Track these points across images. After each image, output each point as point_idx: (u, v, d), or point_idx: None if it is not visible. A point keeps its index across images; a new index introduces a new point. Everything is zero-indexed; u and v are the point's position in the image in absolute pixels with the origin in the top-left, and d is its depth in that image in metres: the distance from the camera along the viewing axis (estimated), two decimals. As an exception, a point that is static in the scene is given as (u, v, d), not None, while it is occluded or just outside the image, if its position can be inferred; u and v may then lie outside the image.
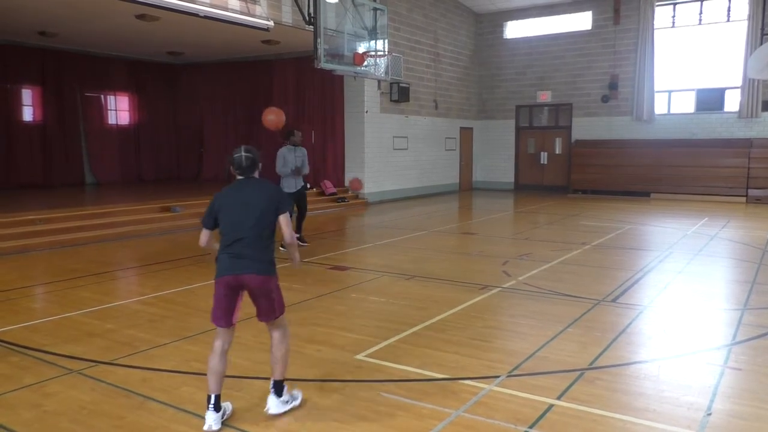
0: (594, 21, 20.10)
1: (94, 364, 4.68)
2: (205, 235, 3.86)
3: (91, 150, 17.88)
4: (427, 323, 5.73)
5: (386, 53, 12.27)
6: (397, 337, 5.32)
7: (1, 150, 15.77)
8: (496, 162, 22.52)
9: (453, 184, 21.40)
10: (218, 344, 3.75)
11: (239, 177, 3.84)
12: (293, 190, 9.73)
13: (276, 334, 3.86)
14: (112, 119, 18.65)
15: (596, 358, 4.81)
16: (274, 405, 3.78)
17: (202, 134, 20.03)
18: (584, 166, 20.18)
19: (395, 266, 8.51)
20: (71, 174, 17.30)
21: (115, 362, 4.73)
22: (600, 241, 10.59)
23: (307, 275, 8.12)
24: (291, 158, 9.66)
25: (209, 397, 3.64)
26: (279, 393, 3.81)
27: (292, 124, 17.95)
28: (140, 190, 15.88)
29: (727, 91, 18.41)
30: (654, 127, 19.30)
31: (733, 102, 18.25)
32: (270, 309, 3.77)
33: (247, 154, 3.78)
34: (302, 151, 9.85)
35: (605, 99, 20.04)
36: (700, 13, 18.59)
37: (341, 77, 16.67)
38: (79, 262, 8.92)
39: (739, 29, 17.87)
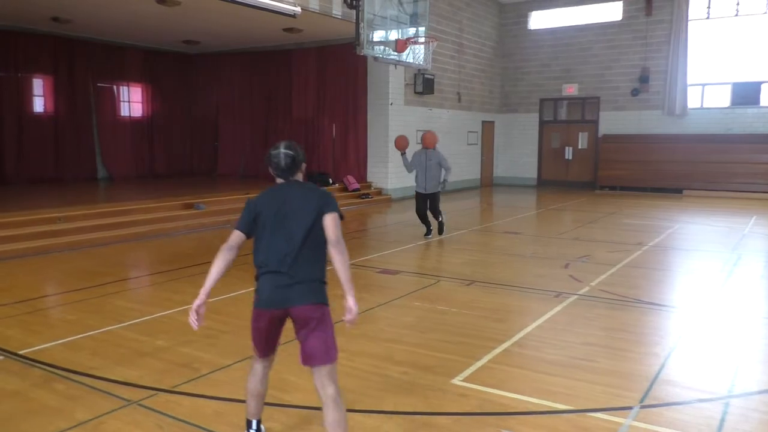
0: (625, 11, 19.36)
1: (154, 392, 4.03)
2: (237, 237, 3.03)
3: (103, 143, 17.16)
4: (514, 339, 5.09)
5: (430, 40, 11.55)
6: (488, 357, 4.68)
7: (11, 143, 15.04)
8: (519, 157, 21.83)
9: (474, 179, 20.72)
10: (259, 367, 3.23)
11: (279, 180, 3.13)
12: None
13: (330, 390, 2.91)
14: (125, 111, 17.91)
15: (733, 384, 4.17)
16: None
17: (217, 127, 19.32)
18: (612, 162, 19.50)
19: (449, 270, 7.86)
20: (83, 168, 16.58)
21: (177, 390, 4.08)
22: (656, 242, 9.94)
23: (358, 280, 7.44)
24: None
25: (249, 423, 3.25)
26: None
27: (313, 116, 17.34)
28: (157, 186, 15.18)
29: (763, 85, 17.72)
30: (686, 121, 18.61)
31: (770, 96, 17.58)
32: (324, 348, 2.93)
33: (287, 152, 3.06)
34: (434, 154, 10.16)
35: (635, 92, 19.34)
36: (737, 4, 17.87)
37: (365, 68, 16.01)
38: (103, 265, 8.27)
39: (778, 20, 17.18)
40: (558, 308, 6.03)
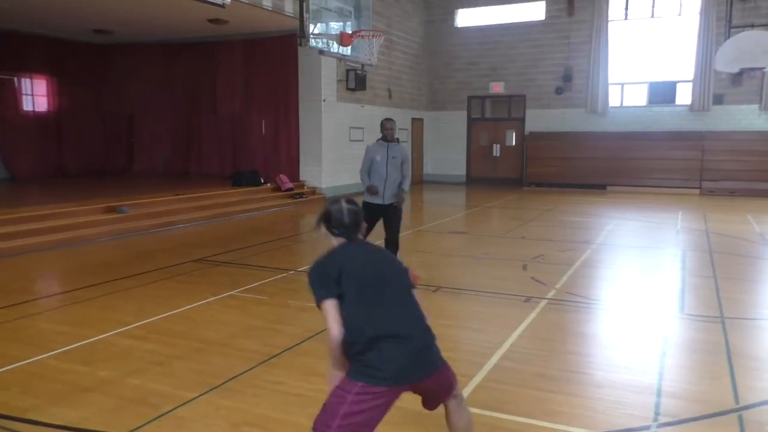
0: (548, 11, 19.75)
1: (110, 440, 3.38)
2: (334, 311, 2.54)
3: (2, 140, 15.50)
4: (500, 352, 4.77)
5: (376, 33, 11.09)
6: (481, 375, 4.32)
7: None
8: (447, 154, 21.82)
9: (405, 177, 20.48)
10: None
11: (337, 239, 2.77)
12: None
13: (453, 401, 2.82)
14: (28, 105, 16.29)
15: (735, 392, 4.03)
16: None
17: (132, 123, 17.99)
18: (539, 159, 19.88)
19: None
20: (-20, 168, 14.92)
21: (139, 436, 3.44)
22: (601, 239, 10.02)
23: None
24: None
25: None
26: None
27: (240, 113, 16.46)
28: (69, 187, 13.84)
29: (678, 85, 18.60)
30: (608, 119, 19.25)
31: (684, 95, 18.46)
32: (448, 389, 2.75)
33: (351, 207, 2.78)
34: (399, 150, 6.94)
35: (559, 91, 19.79)
36: (653, 6, 18.64)
37: (295, 63, 15.38)
38: (17, 280, 7.30)
39: (691, 23, 18.04)
40: (533, 315, 5.78)
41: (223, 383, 4.14)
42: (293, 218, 12.95)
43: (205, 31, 15.38)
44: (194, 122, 17.19)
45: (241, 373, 4.31)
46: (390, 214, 6.91)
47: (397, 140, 7.00)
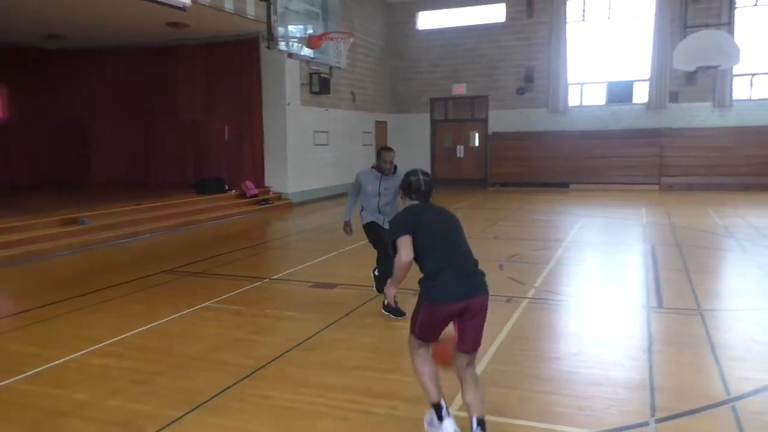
0: (508, 13, 19.96)
1: (96, 468, 3.17)
2: (408, 243, 3.30)
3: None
4: (490, 354, 4.71)
5: (345, 36, 10.93)
6: (473, 377, 4.25)
7: None
8: (412, 156, 21.77)
9: (371, 180, 20.40)
10: (424, 350, 3.37)
11: (412, 201, 3.54)
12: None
13: (471, 369, 3.34)
14: (-27, 115, 15.58)
15: (725, 384, 4.07)
16: None
17: (88, 132, 17.38)
18: (502, 159, 20.07)
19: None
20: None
21: (126, 461, 3.25)
22: (572, 237, 10.13)
23: (292, 298, 6.79)
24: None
25: (439, 406, 3.29)
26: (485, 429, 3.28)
27: (202, 119, 16.09)
28: (23, 200, 13.26)
29: (635, 84, 19.04)
30: (569, 119, 19.56)
31: (641, 94, 18.90)
32: (479, 334, 3.35)
33: (426, 178, 3.57)
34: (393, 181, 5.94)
35: (521, 91, 20.02)
36: (609, 7, 19.04)
37: (258, 67, 15.14)
38: (-24, 298, 6.91)
39: (647, 24, 18.49)
40: (516, 315, 5.76)
41: (209, 399, 3.97)
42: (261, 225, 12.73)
43: (164, 35, 14.96)
44: (153, 129, 16.72)
45: (227, 388, 4.14)
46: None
47: (395, 168, 6.00)
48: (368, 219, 6.12)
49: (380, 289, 6.25)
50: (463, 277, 3.28)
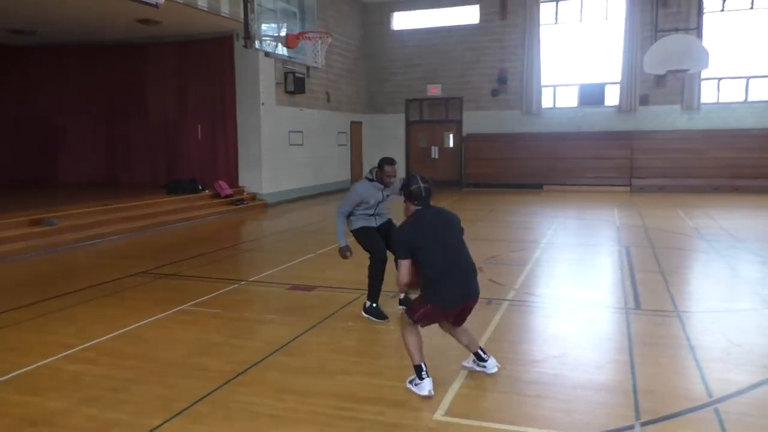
0: (482, 15, 20.08)
1: (73, 482, 3.05)
2: (407, 266, 3.86)
3: None
4: (473, 357, 4.68)
5: (323, 35, 10.81)
6: (458, 382, 4.23)
7: None
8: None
9: (345, 180, 20.31)
10: (415, 328, 4.00)
11: (416, 207, 3.94)
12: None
13: (462, 326, 4.21)
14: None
15: (706, 386, 4.12)
16: (493, 364, 4.27)
17: (55, 130, 16.92)
18: (477, 160, 20.19)
19: (365, 281, 7.30)
20: None
21: (104, 473, 3.12)
22: (548, 239, 10.20)
23: (270, 300, 6.69)
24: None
25: (421, 368, 3.94)
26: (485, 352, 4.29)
27: (174, 118, 15.80)
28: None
29: (607, 86, 19.32)
30: (542, 120, 19.75)
31: (612, 97, 19.19)
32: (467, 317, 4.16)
33: (426, 185, 3.93)
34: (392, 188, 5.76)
35: (495, 93, 20.15)
36: (581, 11, 19.28)
37: (232, 66, 14.94)
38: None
39: (618, 27, 18.78)
40: (497, 317, 5.75)
41: (190, 407, 3.86)
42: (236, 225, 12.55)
43: (134, 32, 14.64)
44: (123, 128, 16.38)
45: (208, 395, 4.03)
46: (389, 230, 5.89)
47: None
48: (360, 224, 5.78)
49: (404, 302, 5.79)
50: (462, 283, 3.75)
